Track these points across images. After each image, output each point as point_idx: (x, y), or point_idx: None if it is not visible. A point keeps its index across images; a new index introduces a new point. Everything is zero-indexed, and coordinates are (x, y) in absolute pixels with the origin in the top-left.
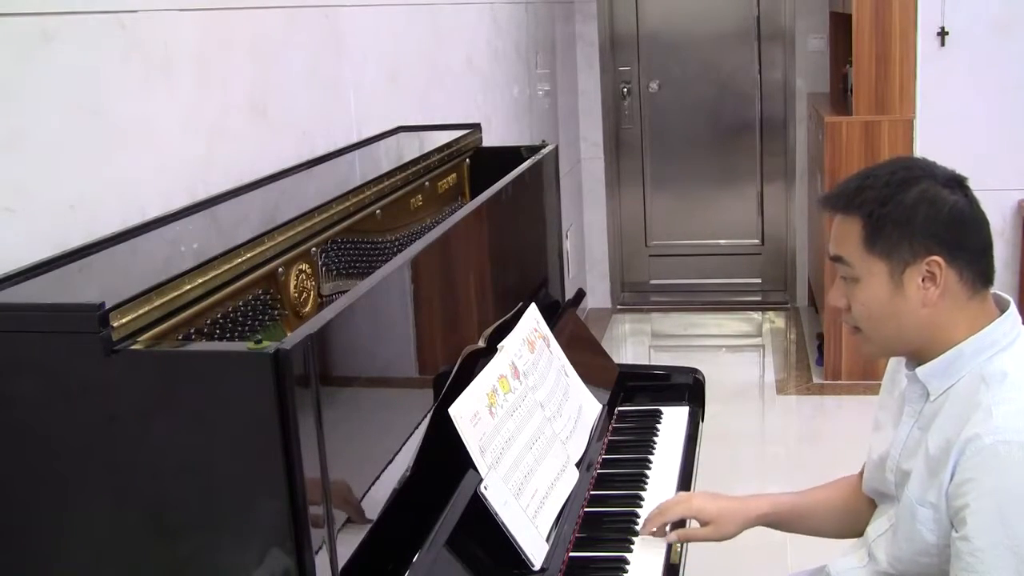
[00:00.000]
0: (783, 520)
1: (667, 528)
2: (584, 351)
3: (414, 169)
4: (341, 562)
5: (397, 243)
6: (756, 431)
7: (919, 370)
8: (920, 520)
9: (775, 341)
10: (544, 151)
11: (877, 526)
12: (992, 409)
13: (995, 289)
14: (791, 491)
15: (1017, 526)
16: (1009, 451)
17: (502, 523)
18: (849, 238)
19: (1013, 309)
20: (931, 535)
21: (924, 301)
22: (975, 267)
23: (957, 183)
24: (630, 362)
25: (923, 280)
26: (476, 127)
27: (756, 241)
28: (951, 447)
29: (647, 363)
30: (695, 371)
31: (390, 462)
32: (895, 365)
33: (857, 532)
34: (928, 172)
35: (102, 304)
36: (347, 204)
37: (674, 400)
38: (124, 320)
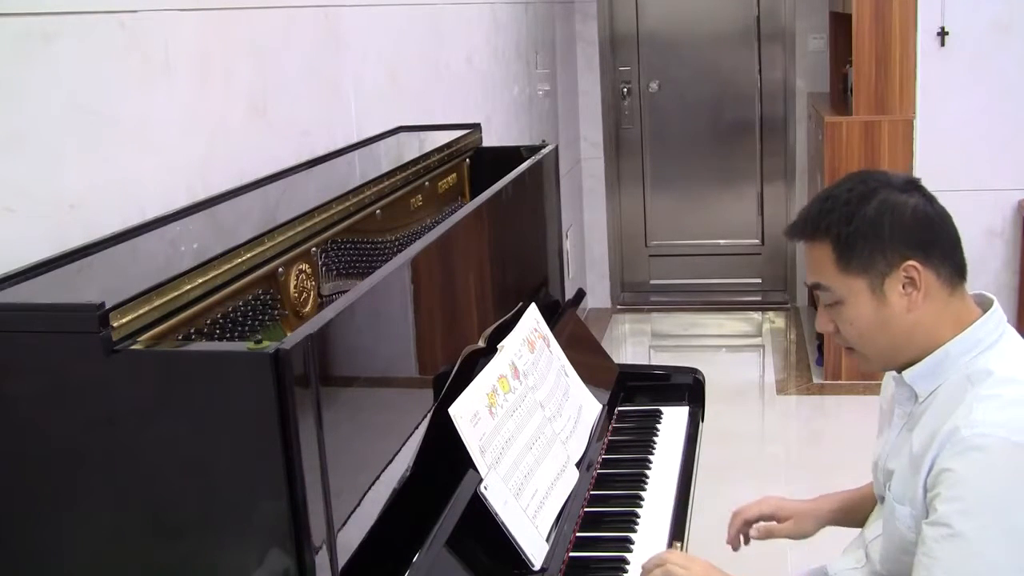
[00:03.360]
0: (849, 515)
1: (752, 532)
2: (584, 351)
3: (414, 169)
4: (341, 562)
5: (397, 243)
6: (756, 431)
7: (906, 373)
8: (899, 517)
9: (775, 341)
10: (544, 151)
11: (874, 528)
12: (974, 404)
13: (995, 290)
14: (851, 488)
15: (980, 519)
16: (986, 443)
17: (502, 523)
18: (823, 264)
19: (996, 307)
20: (909, 532)
21: (909, 307)
22: (950, 262)
23: (913, 186)
24: (630, 362)
25: (904, 287)
26: (476, 127)
27: (756, 241)
28: (932, 442)
29: (647, 363)
30: (695, 371)
31: (390, 462)
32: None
33: None
34: (884, 182)
35: (102, 304)
36: (347, 204)
37: (674, 400)
38: (124, 320)
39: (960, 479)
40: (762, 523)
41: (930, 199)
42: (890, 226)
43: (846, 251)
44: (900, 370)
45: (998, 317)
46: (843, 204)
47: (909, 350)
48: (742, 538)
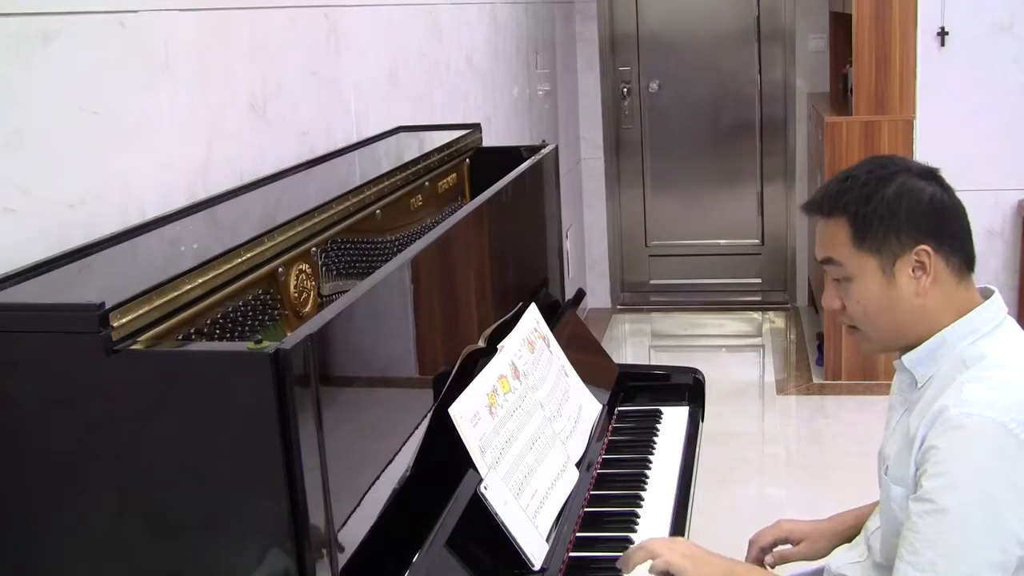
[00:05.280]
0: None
1: (767, 558)
2: (584, 351)
3: (414, 169)
4: (341, 562)
5: (397, 243)
6: (756, 431)
7: (905, 357)
8: (894, 498)
9: (775, 341)
10: (544, 151)
11: (875, 519)
12: (964, 385)
13: (996, 289)
14: (865, 503)
15: (962, 495)
16: (973, 423)
17: (502, 523)
18: (837, 239)
19: (997, 297)
20: (901, 513)
21: (917, 291)
22: (960, 252)
23: (932, 175)
24: (630, 362)
25: (913, 270)
26: (476, 127)
27: (756, 241)
28: (923, 421)
29: (647, 363)
30: (695, 371)
31: (390, 462)
32: None
33: None
34: (904, 167)
35: (102, 304)
36: (347, 204)
37: (674, 400)
38: (124, 320)
39: (944, 456)
40: (777, 549)
41: (947, 189)
42: (907, 209)
43: (861, 229)
44: (900, 354)
45: (997, 307)
46: (863, 184)
47: (911, 334)
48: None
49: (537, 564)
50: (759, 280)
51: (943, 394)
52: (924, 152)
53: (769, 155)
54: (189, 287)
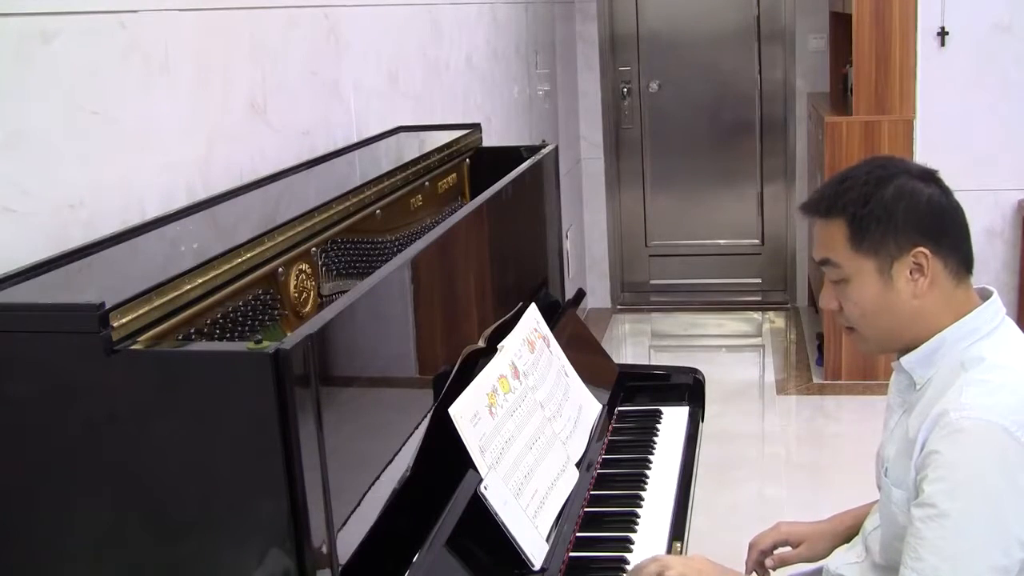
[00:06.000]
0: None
1: (767, 561)
2: (584, 351)
3: (414, 169)
4: (341, 562)
5: (397, 243)
6: (756, 431)
7: (903, 359)
8: (895, 501)
9: (775, 341)
10: (544, 151)
11: (873, 519)
12: (963, 388)
13: (995, 290)
14: (864, 503)
15: (964, 500)
16: (974, 427)
17: (502, 523)
18: (835, 240)
19: (995, 298)
20: (902, 516)
21: (915, 293)
22: (958, 254)
23: (931, 177)
24: (630, 362)
25: (911, 272)
26: (476, 127)
27: (756, 241)
28: (923, 424)
29: (647, 363)
30: (695, 371)
31: (390, 462)
32: None
33: None
34: (903, 168)
35: (102, 304)
36: (347, 204)
37: (674, 400)
38: (124, 320)
39: (946, 461)
40: (777, 551)
41: (946, 191)
42: (904, 211)
43: (859, 231)
44: (898, 356)
45: (996, 308)
46: (861, 185)
47: (908, 335)
48: (768, 572)
49: (537, 564)
50: (759, 280)
51: (943, 397)
52: (924, 152)
53: (769, 155)
54: (189, 287)
